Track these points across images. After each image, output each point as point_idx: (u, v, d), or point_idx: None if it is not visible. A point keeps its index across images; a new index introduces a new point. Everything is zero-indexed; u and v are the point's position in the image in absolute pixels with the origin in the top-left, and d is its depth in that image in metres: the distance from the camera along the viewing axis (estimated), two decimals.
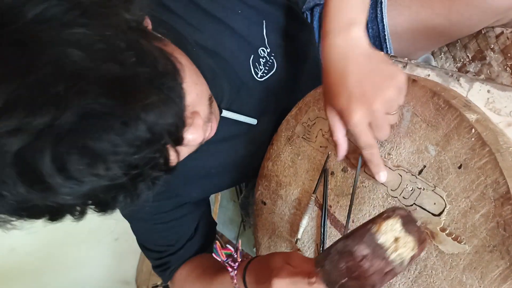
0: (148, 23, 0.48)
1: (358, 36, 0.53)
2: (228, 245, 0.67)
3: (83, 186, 0.36)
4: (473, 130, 0.50)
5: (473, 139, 0.50)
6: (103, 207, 0.40)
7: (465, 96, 0.59)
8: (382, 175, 0.57)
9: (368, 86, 0.51)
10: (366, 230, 0.44)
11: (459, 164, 0.50)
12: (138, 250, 1.69)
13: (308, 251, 0.69)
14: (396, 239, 0.43)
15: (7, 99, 0.32)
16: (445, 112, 0.52)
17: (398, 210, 0.45)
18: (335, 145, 0.59)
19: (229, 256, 0.66)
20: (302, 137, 0.72)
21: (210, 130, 0.57)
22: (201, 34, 0.62)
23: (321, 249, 0.66)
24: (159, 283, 1.61)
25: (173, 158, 0.42)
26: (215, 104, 0.60)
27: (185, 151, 0.52)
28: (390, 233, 0.43)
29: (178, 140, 0.42)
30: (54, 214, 0.39)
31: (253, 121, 0.76)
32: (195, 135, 0.50)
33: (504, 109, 0.56)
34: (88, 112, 0.33)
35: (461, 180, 0.50)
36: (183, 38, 0.61)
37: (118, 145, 0.35)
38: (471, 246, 0.49)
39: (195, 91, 0.51)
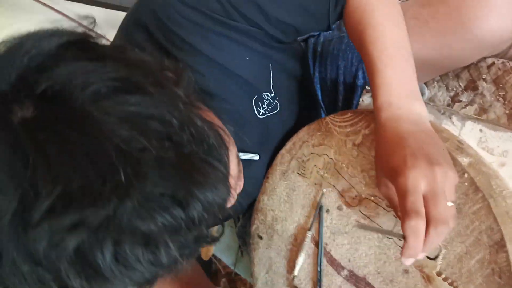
0: None
1: (421, 111, 0.51)
2: None
3: (141, 277, 0.35)
4: (466, 175, 0.50)
5: (466, 184, 0.50)
6: (142, 286, 0.39)
7: (458, 135, 0.59)
8: (410, 261, 0.46)
9: (433, 151, 0.46)
10: None
11: (455, 209, 0.50)
12: None
13: None
14: None
15: (67, 190, 0.31)
16: None
17: None
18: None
19: None
20: (297, 172, 0.72)
21: (239, 188, 0.56)
22: (207, 81, 0.62)
23: (318, 287, 0.66)
24: None
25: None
26: (239, 160, 0.59)
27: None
28: None
29: (225, 209, 0.42)
30: None
31: (255, 156, 0.76)
32: (231, 198, 0.50)
33: (497, 149, 0.56)
34: (148, 198, 0.33)
35: (456, 224, 0.50)
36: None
37: (178, 228, 0.34)
38: None
39: (230, 154, 0.49)
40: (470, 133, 0.59)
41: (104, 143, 0.32)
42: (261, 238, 0.79)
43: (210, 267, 1.47)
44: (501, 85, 0.82)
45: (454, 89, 0.89)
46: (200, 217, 0.36)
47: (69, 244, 0.31)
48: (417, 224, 0.43)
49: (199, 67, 0.61)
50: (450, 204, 0.45)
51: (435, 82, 0.92)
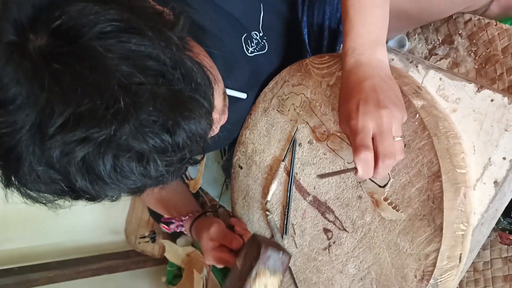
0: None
1: (383, 58, 0.56)
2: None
3: (133, 184, 0.43)
4: (417, 115, 0.57)
5: (416, 123, 0.57)
6: (134, 194, 0.48)
7: (421, 82, 0.66)
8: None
9: (383, 96, 0.52)
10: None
11: (403, 144, 0.58)
12: (127, 202, 1.79)
13: (276, 211, 0.78)
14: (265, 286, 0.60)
15: (78, 111, 0.38)
16: None
17: (265, 252, 0.62)
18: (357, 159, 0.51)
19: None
20: (276, 109, 0.79)
21: (223, 120, 0.62)
22: (200, 15, 0.66)
23: (286, 210, 0.75)
24: (146, 234, 1.72)
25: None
26: (226, 97, 0.64)
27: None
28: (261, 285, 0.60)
29: (206, 138, 0.49)
30: (96, 199, 0.46)
31: (243, 95, 0.82)
32: (215, 129, 0.56)
33: (451, 96, 0.63)
34: (142, 124, 0.39)
35: (404, 158, 0.58)
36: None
37: (165, 149, 0.42)
38: (406, 214, 0.57)
39: (216, 91, 0.54)
40: (432, 81, 0.65)
41: (108, 76, 0.38)
42: (241, 168, 0.87)
43: (197, 199, 1.57)
44: (474, 41, 0.87)
45: (433, 42, 0.94)
46: (184, 143, 0.43)
47: (77, 154, 0.39)
48: (365, 156, 0.50)
49: (193, 2, 0.65)
50: (398, 139, 0.52)
51: (416, 34, 0.97)
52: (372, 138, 0.51)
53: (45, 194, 0.44)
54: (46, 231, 1.61)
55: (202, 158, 0.93)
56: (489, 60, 0.83)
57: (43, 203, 0.45)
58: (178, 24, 0.46)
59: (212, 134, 0.57)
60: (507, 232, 0.77)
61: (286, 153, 0.76)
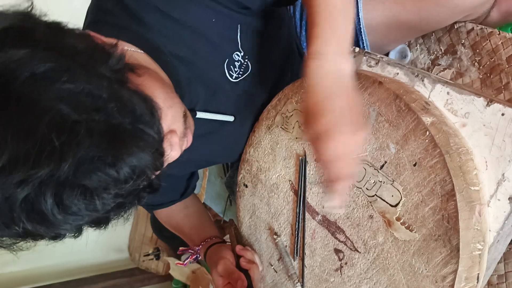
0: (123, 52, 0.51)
1: (347, 68, 0.56)
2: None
3: (81, 220, 0.42)
4: (427, 133, 0.56)
5: (427, 140, 0.56)
6: (98, 227, 0.48)
7: (427, 97, 0.64)
8: (336, 210, 0.62)
9: (353, 119, 0.53)
10: None
11: (414, 162, 0.57)
12: (130, 220, 1.77)
13: (284, 231, 0.77)
14: None
15: (13, 155, 0.38)
16: (405, 114, 0.58)
17: None
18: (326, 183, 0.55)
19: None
20: (280, 127, 0.78)
21: (187, 143, 0.61)
22: (175, 44, 0.64)
23: (296, 232, 0.73)
24: (150, 251, 1.70)
25: (154, 178, 0.49)
26: (189, 117, 0.62)
27: (164, 167, 0.57)
28: None
29: (158, 168, 0.48)
30: (55, 238, 0.46)
31: (229, 118, 0.80)
32: (173, 153, 0.55)
33: (460, 111, 0.61)
34: (81, 160, 0.39)
35: (415, 176, 0.56)
36: (159, 50, 0.63)
37: (109, 184, 0.41)
38: (420, 234, 0.56)
39: (170, 113, 0.54)
40: (439, 95, 0.64)
41: (39, 118, 0.38)
42: (246, 186, 0.86)
43: None
44: (477, 50, 0.86)
45: (435, 52, 0.93)
46: (128, 176, 0.43)
47: (17, 196, 0.39)
48: (344, 184, 0.54)
49: (168, 32, 0.64)
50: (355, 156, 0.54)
51: (418, 45, 0.96)
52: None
53: (4, 238, 0.44)
54: (47, 252, 1.58)
55: (159, 186, 0.92)
56: (493, 69, 0.83)
57: (3, 247, 0.45)
58: (113, 57, 0.46)
59: (172, 159, 0.56)
60: None
61: (299, 175, 0.75)
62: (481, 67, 0.85)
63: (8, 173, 0.38)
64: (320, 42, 0.56)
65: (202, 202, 1.39)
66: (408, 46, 0.97)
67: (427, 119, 0.57)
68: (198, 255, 0.89)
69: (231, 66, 0.72)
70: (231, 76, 0.74)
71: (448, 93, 0.63)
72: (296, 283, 0.72)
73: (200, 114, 0.74)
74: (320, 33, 0.56)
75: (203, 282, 1.41)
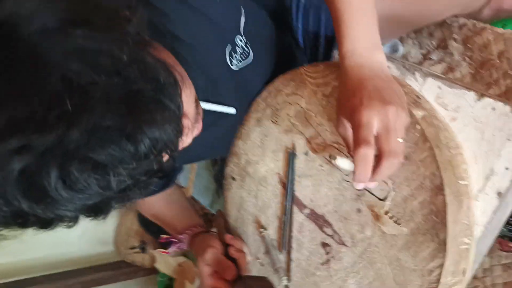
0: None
1: (382, 60, 0.55)
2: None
3: (88, 200, 0.36)
4: (418, 127, 0.55)
5: (417, 134, 0.55)
6: (96, 214, 0.41)
7: (418, 91, 0.64)
8: (360, 186, 0.53)
9: (387, 95, 0.50)
10: None
11: (404, 156, 0.56)
12: (116, 213, 1.75)
13: (271, 225, 0.76)
14: None
15: (14, 116, 0.31)
16: None
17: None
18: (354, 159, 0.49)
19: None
20: (270, 120, 0.77)
21: (197, 130, 0.58)
22: (175, 25, 0.61)
23: (283, 225, 0.73)
24: (136, 244, 1.68)
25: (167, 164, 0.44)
26: (199, 104, 0.60)
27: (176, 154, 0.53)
28: None
29: (176, 147, 0.44)
30: (48, 224, 0.39)
31: (231, 110, 0.78)
32: (186, 138, 0.51)
33: (450, 104, 0.61)
34: (94, 128, 0.33)
35: (404, 170, 0.56)
36: (157, 29, 0.60)
37: (124, 159, 0.36)
38: (408, 228, 0.55)
39: (185, 95, 0.48)
40: (430, 89, 0.63)
41: (50, 73, 0.32)
42: (234, 179, 0.84)
43: None
44: (469, 45, 0.85)
45: (427, 47, 0.92)
46: (147, 152, 0.37)
47: (14, 167, 0.32)
48: (366, 151, 0.47)
49: (168, 10, 0.60)
50: (400, 140, 0.50)
51: (410, 39, 0.96)
52: (376, 137, 0.49)
53: None
54: (32, 244, 1.56)
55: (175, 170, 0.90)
56: (484, 64, 0.82)
57: None
58: (136, 16, 0.40)
59: (184, 145, 0.53)
60: (507, 239, 0.76)
61: (286, 167, 0.74)
62: (472, 62, 0.85)
63: (6, 137, 0.31)
64: (351, 40, 0.55)
65: (191, 195, 1.37)
66: (400, 40, 0.96)
67: (418, 113, 0.56)
68: (182, 244, 0.87)
69: (233, 52, 0.70)
70: (232, 63, 0.72)
71: (439, 87, 0.63)
72: (283, 276, 0.72)
73: (203, 105, 0.72)
74: (349, 31, 0.55)
75: (189, 275, 1.40)
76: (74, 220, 0.40)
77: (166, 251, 0.87)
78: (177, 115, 0.42)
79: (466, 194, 0.54)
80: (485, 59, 0.85)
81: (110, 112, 0.34)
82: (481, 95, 0.57)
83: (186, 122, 0.51)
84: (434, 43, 0.93)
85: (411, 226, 0.55)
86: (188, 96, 0.53)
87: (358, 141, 0.48)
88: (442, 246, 0.52)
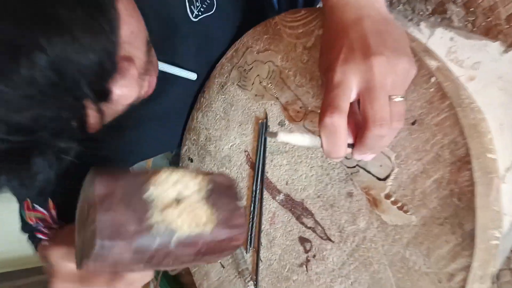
0: None
1: (377, 5, 0.41)
2: (37, 206, 0.54)
3: None
4: (432, 79, 0.41)
5: (432, 89, 0.41)
6: None
7: (425, 43, 0.50)
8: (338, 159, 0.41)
9: (375, 41, 0.38)
10: (136, 174, 0.32)
11: (412, 120, 0.42)
12: None
13: None
14: (178, 201, 0.32)
15: None
16: None
17: (218, 176, 0.35)
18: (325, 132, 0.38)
19: (41, 220, 0.53)
20: (237, 84, 0.61)
21: (148, 87, 0.44)
22: None
23: (251, 216, 0.57)
24: None
25: (93, 122, 0.31)
26: (153, 53, 0.46)
27: (110, 112, 0.38)
28: (170, 188, 0.32)
29: (103, 94, 0.32)
30: None
31: (191, 75, 0.64)
32: (128, 89, 0.37)
33: (467, 61, 0.48)
34: None
35: (413, 139, 0.42)
36: None
37: (17, 84, 0.26)
38: (418, 217, 0.41)
39: (130, 27, 0.37)
40: (439, 42, 0.50)
41: None
42: (191, 160, 0.69)
43: None
44: (471, 9, 0.73)
45: (421, 12, 0.80)
46: (41, 82, 0.27)
47: None
48: (331, 121, 0.37)
49: None
50: (398, 99, 0.37)
51: (401, 4, 0.83)
52: (359, 100, 0.38)
53: None
54: None
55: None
56: (490, 31, 0.70)
57: None
58: None
59: (124, 100, 0.38)
60: None
61: (256, 142, 0.59)
62: (475, 29, 0.72)
63: None
64: None
65: None
66: (390, 5, 0.83)
67: (431, 63, 0.42)
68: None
69: (194, 0, 0.56)
70: (192, 12, 0.58)
71: (451, 38, 0.49)
72: (248, 281, 0.56)
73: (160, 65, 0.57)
74: None
75: None
76: None
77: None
78: (108, 36, 0.31)
79: (495, 172, 0.41)
80: (490, 24, 0.72)
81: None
82: (510, 46, 0.44)
83: (131, 70, 0.36)
84: (429, 7, 0.80)
85: (423, 214, 0.41)
86: (135, 33, 0.39)
87: (322, 107, 0.38)
88: (467, 241, 0.38)
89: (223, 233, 0.33)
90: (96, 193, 0.29)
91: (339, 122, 0.37)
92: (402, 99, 0.38)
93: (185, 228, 0.31)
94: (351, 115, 0.39)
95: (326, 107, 0.38)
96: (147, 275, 0.40)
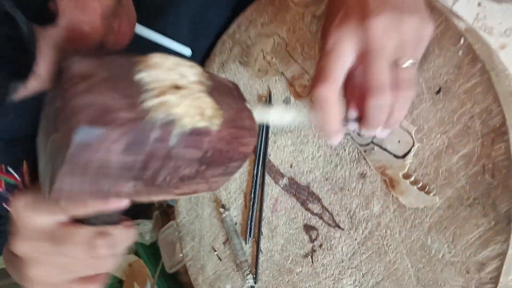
0: None
1: None
2: (11, 170, 0.47)
3: None
4: (461, 41, 0.36)
5: (460, 52, 0.36)
6: None
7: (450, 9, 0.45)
8: (335, 141, 0.37)
9: (377, 2, 0.33)
10: (122, 55, 0.26)
11: (437, 88, 0.37)
12: None
13: (234, 203, 0.55)
14: (177, 87, 0.25)
15: None
16: None
17: (219, 76, 0.30)
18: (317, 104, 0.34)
19: (12, 186, 0.46)
20: (238, 61, 0.56)
21: (119, 33, 0.39)
22: None
23: (251, 203, 0.52)
24: None
25: (38, 61, 0.25)
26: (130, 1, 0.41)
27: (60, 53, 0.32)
28: (168, 72, 0.26)
29: (46, 16, 0.27)
30: None
31: (186, 50, 0.59)
32: (87, 19, 0.31)
33: (498, 27, 0.42)
34: None
35: (438, 109, 0.36)
36: None
37: None
38: (442, 198, 0.36)
39: None
40: (465, 8, 0.45)
41: None
42: None
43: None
44: None
45: None
46: None
47: None
48: (321, 93, 0.33)
49: None
50: (406, 64, 0.32)
51: None
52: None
53: None
54: None
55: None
56: None
57: None
58: None
59: (86, 40, 0.32)
60: None
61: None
62: None
63: None
64: None
65: None
66: None
67: (460, 24, 0.37)
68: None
69: None
70: None
71: (479, 4, 0.44)
72: (247, 274, 0.51)
73: (142, 31, 0.52)
74: None
75: (139, 278, 1.19)
76: None
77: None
78: None
79: None
80: None
81: None
82: None
83: (92, 2, 0.31)
84: None
85: (448, 195, 0.35)
86: None
87: (314, 78, 0.34)
88: (502, 224, 0.32)
89: (231, 132, 0.26)
90: (72, 72, 0.23)
91: (327, 93, 0.33)
92: (411, 62, 0.32)
93: (187, 119, 0.25)
94: (357, 85, 0.34)
95: (315, 77, 0.34)
96: (131, 234, 0.33)
